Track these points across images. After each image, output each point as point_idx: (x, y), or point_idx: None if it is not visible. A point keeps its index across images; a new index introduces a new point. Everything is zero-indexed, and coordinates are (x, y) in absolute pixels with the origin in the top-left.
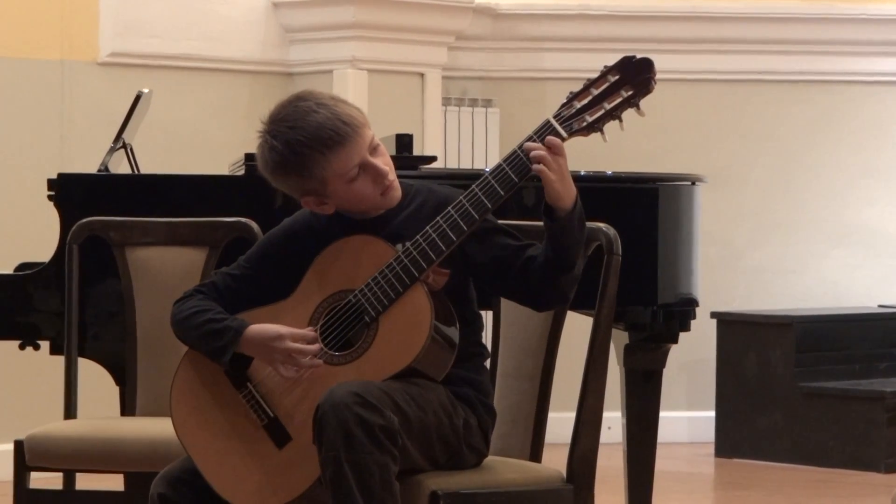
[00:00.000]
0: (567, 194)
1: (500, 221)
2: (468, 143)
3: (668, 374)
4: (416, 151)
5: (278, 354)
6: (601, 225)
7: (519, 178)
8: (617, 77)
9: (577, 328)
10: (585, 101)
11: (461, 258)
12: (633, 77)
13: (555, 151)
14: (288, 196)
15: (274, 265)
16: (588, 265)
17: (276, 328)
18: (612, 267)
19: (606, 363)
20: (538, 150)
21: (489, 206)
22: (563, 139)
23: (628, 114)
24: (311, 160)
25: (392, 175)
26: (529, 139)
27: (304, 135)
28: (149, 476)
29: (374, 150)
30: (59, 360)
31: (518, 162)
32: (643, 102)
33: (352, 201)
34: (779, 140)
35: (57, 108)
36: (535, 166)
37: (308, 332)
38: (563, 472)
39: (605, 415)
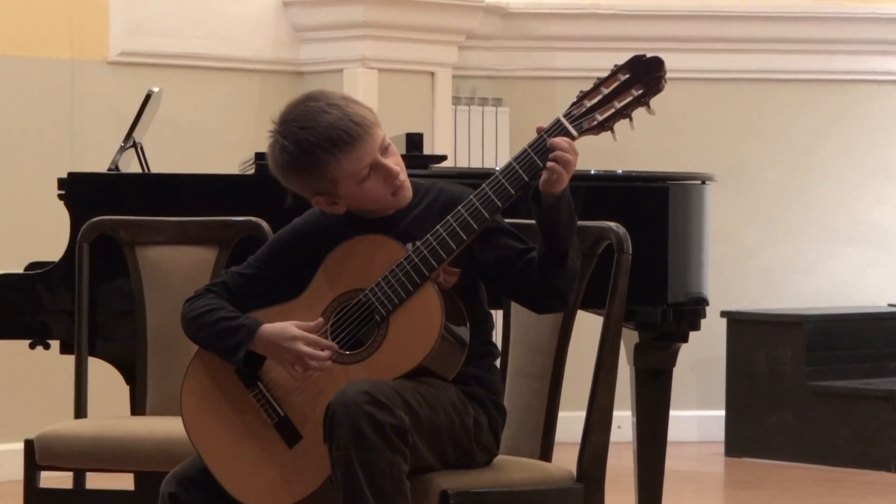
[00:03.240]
0: (562, 185)
1: (510, 220)
2: (478, 143)
3: (678, 373)
4: (427, 150)
5: (289, 355)
6: (611, 224)
7: (529, 176)
8: (627, 76)
9: (588, 327)
10: (596, 100)
11: (467, 256)
12: (644, 76)
13: (573, 151)
14: (298, 195)
15: (284, 264)
16: (598, 264)
17: (290, 329)
18: (623, 266)
19: (617, 362)
20: (566, 152)
21: (500, 204)
22: (574, 138)
23: (638, 112)
24: (322, 160)
25: (403, 175)
26: (540, 138)
27: (315, 135)
28: (159, 475)
29: (385, 150)
30: (70, 360)
31: (529, 161)
32: (653, 101)
33: (363, 201)
34: (789, 139)
35: (67, 108)
36: (553, 164)
37: (322, 338)
38: (574, 471)
39: (616, 414)
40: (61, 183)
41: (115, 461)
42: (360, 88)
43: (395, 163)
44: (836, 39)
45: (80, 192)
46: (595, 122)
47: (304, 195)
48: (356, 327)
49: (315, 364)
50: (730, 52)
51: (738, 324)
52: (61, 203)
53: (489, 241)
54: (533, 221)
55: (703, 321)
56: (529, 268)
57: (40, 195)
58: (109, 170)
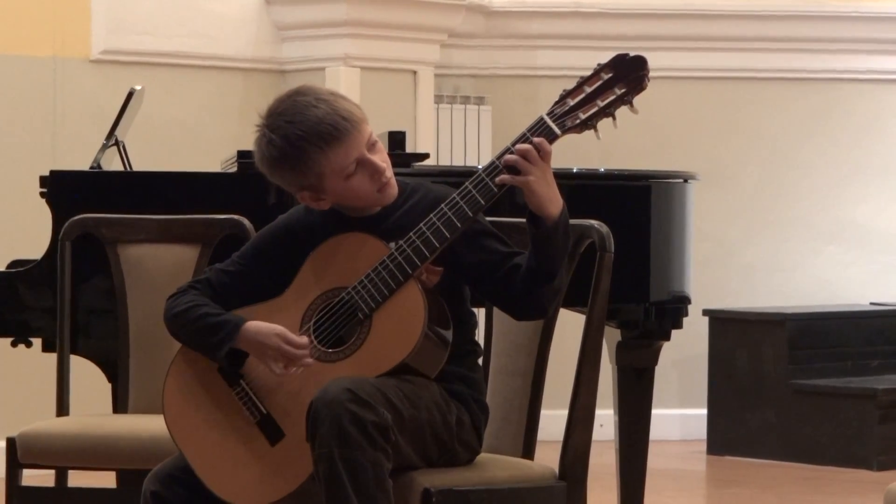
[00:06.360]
0: (550, 201)
1: (494, 219)
2: (460, 141)
3: (660, 371)
4: (409, 149)
5: (272, 351)
6: (593, 222)
7: (513, 173)
8: (610, 75)
9: (570, 326)
10: (579, 99)
11: (451, 257)
12: (627, 74)
13: (542, 156)
14: (281, 193)
15: (268, 262)
16: (580, 263)
17: (274, 327)
18: (605, 264)
19: (599, 360)
20: (511, 158)
21: (483, 202)
22: (557, 136)
23: (621, 111)
24: (308, 155)
25: (389, 172)
26: (523, 136)
27: (302, 129)
28: (141, 473)
29: (371, 146)
30: (52, 358)
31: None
32: (636, 100)
33: (348, 197)
34: (771, 137)
35: (49, 106)
36: (514, 178)
37: (303, 340)
38: (556, 469)
39: (598, 412)
40: (43, 181)
41: (97, 459)
42: (343, 87)
43: (381, 159)
44: (818, 38)
45: (62, 190)
46: (578, 121)
47: (290, 190)
48: (339, 325)
49: (302, 361)
50: (712, 50)
51: (721, 322)
52: (43, 201)
53: (474, 243)
54: (517, 220)
55: (685, 319)
56: (512, 274)
57: (22, 193)
58: (91, 168)
